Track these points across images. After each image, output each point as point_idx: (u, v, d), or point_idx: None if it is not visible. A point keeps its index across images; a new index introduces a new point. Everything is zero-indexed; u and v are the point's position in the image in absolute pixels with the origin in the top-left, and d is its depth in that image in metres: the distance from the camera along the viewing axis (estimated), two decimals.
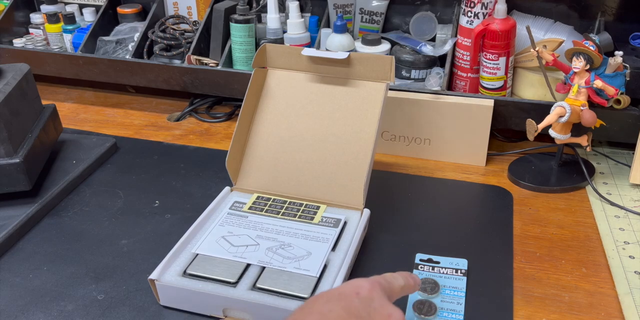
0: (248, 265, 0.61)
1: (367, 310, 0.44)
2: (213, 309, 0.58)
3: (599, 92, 0.75)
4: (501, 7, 0.83)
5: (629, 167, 0.82)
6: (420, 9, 1.00)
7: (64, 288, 0.63)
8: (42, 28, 1.17)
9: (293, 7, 0.95)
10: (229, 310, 0.58)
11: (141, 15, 1.14)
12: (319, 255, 0.62)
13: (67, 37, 1.13)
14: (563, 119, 0.75)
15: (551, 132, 0.78)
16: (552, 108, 0.76)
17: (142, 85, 1.02)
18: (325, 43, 0.96)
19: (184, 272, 0.60)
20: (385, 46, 0.94)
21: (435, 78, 0.92)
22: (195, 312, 0.59)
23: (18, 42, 1.15)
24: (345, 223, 0.68)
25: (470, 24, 0.89)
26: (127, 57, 1.04)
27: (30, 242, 0.70)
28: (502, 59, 0.86)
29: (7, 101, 0.73)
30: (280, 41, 0.98)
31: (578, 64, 0.74)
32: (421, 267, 0.65)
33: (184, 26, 1.09)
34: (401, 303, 0.60)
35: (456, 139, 0.85)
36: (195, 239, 0.65)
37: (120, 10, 1.13)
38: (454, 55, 0.93)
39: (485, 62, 0.87)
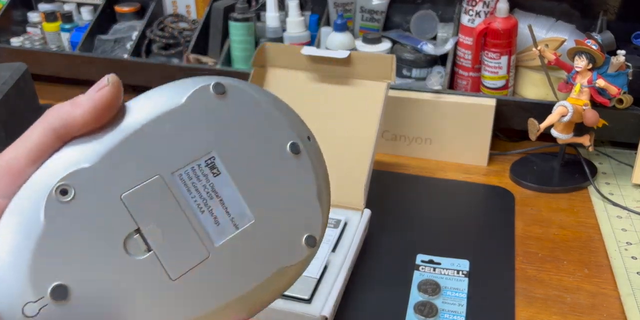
0: None
1: None
2: None
3: (601, 91, 0.74)
4: (503, 6, 0.82)
5: (632, 167, 0.81)
6: (421, 8, 0.99)
7: None
8: (39, 27, 1.17)
9: (293, 5, 0.95)
10: None
11: (139, 14, 1.13)
12: (319, 256, 0.61)
13: (65, 36, 1.12)
14: (565, 119, 0.75)
15: (553, 132, 0.78)
16: (554, 107, 0.76)
17: (141, 84, 1.01)
18: (325, 42, 0.95)
19: None
20: (385, 45, 0.94)
21: (437, 77, 0.91)
22: None
23: (15, 41, 1.14)
24: (345, 224, 0.67)
25: (471, 22, 0.88)
26: (125, 56, 1.03)
27: None
28: (504, 58, 0.85)
29: (5, 101, 0.73)
30: (280, 40, 0.97)
31: (580, 63, 0.73)
32: (422, 268, 0.64)
33: (182, 25, 1.09)
34: (402, 305, 0.59)
35: (458, 139, 0.85)
36: None
37: (119, 8, 1.12)
38: (455, 54, 0.92)
39: (487, 61, 0.86)
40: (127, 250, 0.26)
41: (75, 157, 0.27)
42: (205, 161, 0.29)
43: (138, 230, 0.27)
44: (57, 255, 0.25)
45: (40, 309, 0.25)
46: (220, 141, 0.29)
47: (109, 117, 0.27)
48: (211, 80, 0.30)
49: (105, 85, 0.28)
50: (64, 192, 0.26)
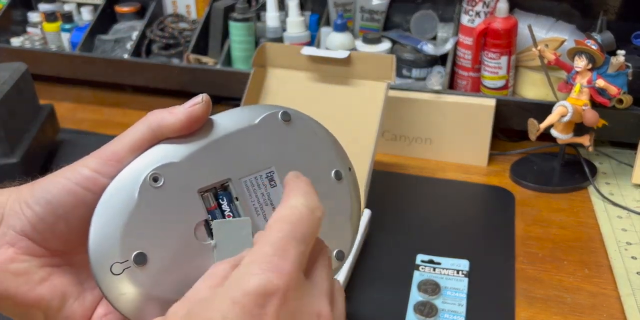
0: None
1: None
2: None
3: (601, 91, 0.74)
4: (503, 6, 0.82)
5: (632, 167, 0.81)
6: (421, 8, 0.99)
7: None
8: (39, 27, 1.17)
9: (293, 5, 0.94)
10: None
11: (139, 14, 1.13)
12: None
13: (65, 36, 1.12)
14: (565, 119, 0.75)
15: (553, 132, 0.78)
16: (554, 107, 0.76)
17: (141, 84, 1.02)
18: (325, 42, 0.95)
19: None
20: (385, 45, 0.94)
21: (437, 77, 0.91)
22: None
23: (15, 41, 1.14)
24: None
25: (471, 22, 0.88)
26: (126, 56, 1.03)
27: None
28: (504, 58, 0.85)
29: (5, 101, 0.73)
30: (280, 40, 0.97)
31: (580, 63, 0.73)
32: (422, 268, 0.64)
33: (182, 25, 1.09)
34: (402, 304, 0.59)
35: (458, 139, 0.85)
36: None
37: (119, 8, 1.12)
38: (455, 54, 0.92)
39: (487, 61, 0.86)
40: (196, 235, 0.32)
41: (167, 152, 0.32)
42: (266, 173, 0.34)
43: (206, 220, 0.32)
44: (142, 228, 0.31)
45: (124, 269, 0.30)
46: (279, 159, 0.35)
47: (197, 127, 0.34)
48: (280, 109, 0.36)
49: (198, 102, 0.33)
50: (155, 179, 0.32)
